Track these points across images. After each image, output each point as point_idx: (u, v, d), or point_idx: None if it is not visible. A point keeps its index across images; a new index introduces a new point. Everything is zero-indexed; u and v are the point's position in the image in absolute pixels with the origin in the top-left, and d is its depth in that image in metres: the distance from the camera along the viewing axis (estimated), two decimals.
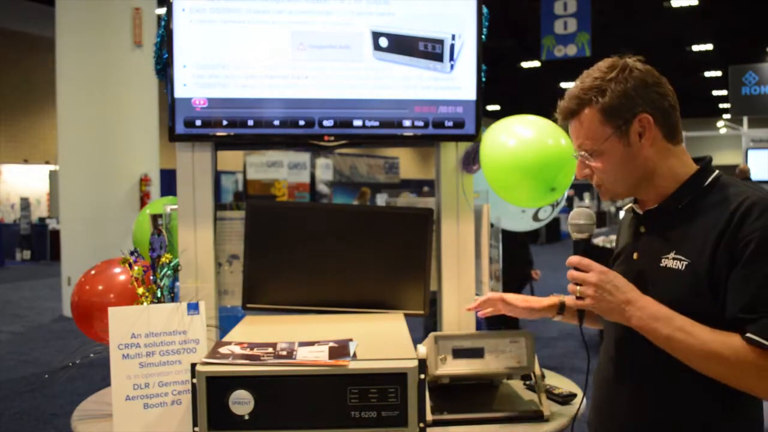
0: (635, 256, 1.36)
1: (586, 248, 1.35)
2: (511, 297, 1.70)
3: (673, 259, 1.27)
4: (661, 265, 1.28)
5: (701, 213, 1.28)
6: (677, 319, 1.21)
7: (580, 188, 20.60)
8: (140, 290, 1.56)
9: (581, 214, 1.37)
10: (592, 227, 1.37)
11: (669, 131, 1.32)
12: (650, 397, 1.31)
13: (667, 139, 1.33)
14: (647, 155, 1.32)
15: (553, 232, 17.34)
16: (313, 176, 13.55)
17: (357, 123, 1.90)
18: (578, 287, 1.28)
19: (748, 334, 1.15)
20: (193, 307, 1.52)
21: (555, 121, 1.89)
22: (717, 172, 1.33)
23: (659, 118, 1.31)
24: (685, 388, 1.27)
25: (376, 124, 1.90)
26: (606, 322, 1.42)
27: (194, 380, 1.29)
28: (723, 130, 20.64)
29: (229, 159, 13.08)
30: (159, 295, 1.57)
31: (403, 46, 1.88)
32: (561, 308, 1.64)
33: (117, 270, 1.92)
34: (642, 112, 1.30)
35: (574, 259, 1.31)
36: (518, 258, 5.03)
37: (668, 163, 1.33)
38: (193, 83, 1.84)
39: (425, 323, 4.02)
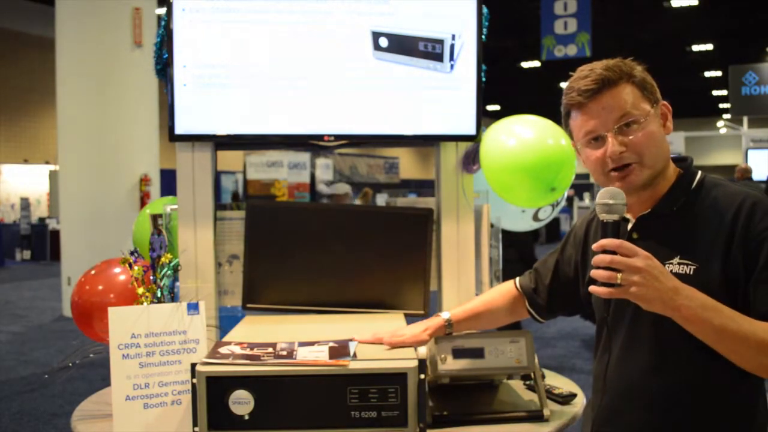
0: None
1: (616, 231, 1.19)
2: (398, 340, 1.50)
3: (679, 264, 1.25)
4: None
5: (698, 216, 1.27)
6: (726, 309, 1.17)
7: (580, 188, 20.54)
8: (140, 290, 1.55)
9: (612, 192, 1.22)
10: (624, 208, 1.21)
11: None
12: (679, 395, 1.28)
13: None
14: (666, 145, 1.31)
15: (553, 232, 17.30)
16: (313, 176, 13.53)
17: None
18: (619, 274, 1.14)
19: None
20: (193, 307, 1.52)
21: (555, 121, 1.88)
22: (700, 172, 1.33)
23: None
24: (714, 384, 1.26)
25: None
26: (613, 324, 1.40)
27: (194, 380, 1.29)
28: (723, 130, 20.65)
29: (229, 159, 13.08)
30: (159, 295, 1.57)
31: (403, 46, 1.87)
32: (449, 326, 1.56)
33: (117, 270, 1.92)
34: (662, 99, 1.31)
35: (611, 242, 1.15)
36: (526, 258, 5.01)
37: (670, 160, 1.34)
38: (193, 83, 1.84)
39: None
